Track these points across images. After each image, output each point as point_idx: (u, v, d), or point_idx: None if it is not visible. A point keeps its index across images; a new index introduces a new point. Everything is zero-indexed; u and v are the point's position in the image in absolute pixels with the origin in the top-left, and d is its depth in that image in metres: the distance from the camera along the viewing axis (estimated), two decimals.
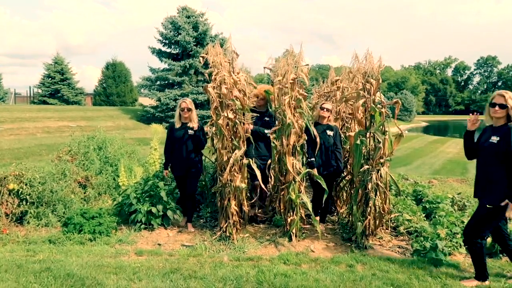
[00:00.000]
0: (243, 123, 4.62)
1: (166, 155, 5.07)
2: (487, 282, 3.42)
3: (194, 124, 4.81)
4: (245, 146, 4.57)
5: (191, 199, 4.96)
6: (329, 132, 4.87)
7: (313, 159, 4.71)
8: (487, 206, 3.33)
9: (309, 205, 4.49)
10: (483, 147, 3.44)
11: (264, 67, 4.87)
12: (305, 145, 4.72)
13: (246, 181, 4.49)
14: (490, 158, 3.37)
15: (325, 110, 4.91)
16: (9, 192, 4.83)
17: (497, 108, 3.31)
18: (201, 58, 4.83)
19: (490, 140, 3.36)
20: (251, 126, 4.88)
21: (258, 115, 5.05)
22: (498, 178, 3.31)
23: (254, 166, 4.52)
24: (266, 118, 5.14)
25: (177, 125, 4.89)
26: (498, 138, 3.31)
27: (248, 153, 4.81)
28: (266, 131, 4.96)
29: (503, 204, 3.28)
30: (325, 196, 4.54)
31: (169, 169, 5.06)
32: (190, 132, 4.80)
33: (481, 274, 3.45)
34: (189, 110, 4.81)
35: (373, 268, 3.78)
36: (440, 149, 17.59)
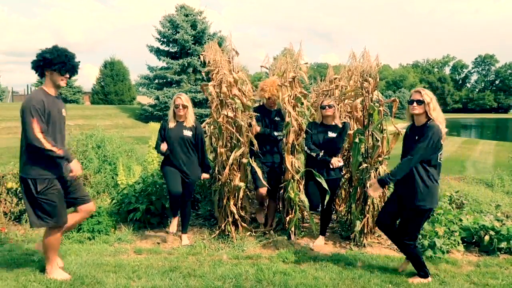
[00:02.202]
0: (250, 124, 4.36)
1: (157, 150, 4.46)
2: (429, 279, 3.47)
3: (190, 123, 4.32)
4: (247, 146, 4.38)
5: (186, 206, 4.42)
6: (331, 134, 4.31)
7: (320, 153, 4.24)
8: (410, 208, 3.31)
9: (307, 204, 4.50)
10: (408, 148, 3.38)
11: (261, 66, 4.86)
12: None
13: (245, 179, 4.49)
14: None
15: (326, 108, 4.30)
16: (7, 191, 4.83)
17: (415, 104, 3.29)
18: (201, 57, 4.80)
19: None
20: (259, 128, 4.48)
21: (258, 113, 4.58)
22: (421, 178, 3.28)
23: (258, 170, 4.30)
24: (277, 118, 4.58)
25: (171, 125, 4.29)
26: (419, 138, 3.28)
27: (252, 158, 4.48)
28: (276, 133, 4.51)
29: (369, 184, 3.35)
30: (327, 197, 4.24)
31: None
32: (187, 133, 4.29)
33: (422, 272, 3.47)
34: (185, 107, 4.26)
35: (371, 266, 3.80)
36: None
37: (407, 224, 3.40)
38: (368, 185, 3.34)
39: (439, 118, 3.30)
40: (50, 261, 3.39)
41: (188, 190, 4.35)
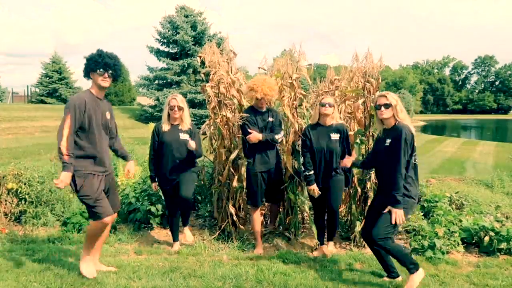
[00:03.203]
0: (249, 131, 4.03)
1: (152, 165, 4.17)
2: (421, 270, 3.28)
3: (186, 126, 4.06)
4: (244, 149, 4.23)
5: (186, 203, 4.13)
6: (334, 136, 3.94)
7: (311, 172, 3.94)
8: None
9: (306, 206, 4.50)
10: (379, 152, 3.34)
11: (259, 67, 4.83)
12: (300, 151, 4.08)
13: (244, 180, 4.49)
14: (387, 163, 3.23)
15: (326, 106, 3.91)
16: (7, 191, 4.83)
17: (382, 109, 3.25)
18: (198, 58, 4.78)
19: (385, 144, 3.26)
20: (260, 136, 4.04)
21: (253, 114, 4.14)
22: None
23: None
24: (270, 119, 4.15)
25: (166, 128, 4.04)
26: (390, 140, 3.22)
27: (254, 167, 4.14)
28: (276, 136, 4.12)
29: (385, 211, 3.20)
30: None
31: (158, 182, 4.24)
32: (183, 136, 4.02)
33: (411, 266, 3.24)
34: (180, 108, 4.00)
35: (371, 266, 3.81)
36: (438, 148, 17.66)
37: (388, 226, 3.19)
38: (394, 215, 3.17)
39: (407, 119, 3.26)
40: (85, 252, 3.44)
41: (186, 187, 4.03)
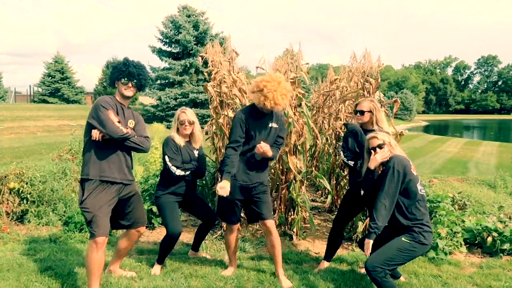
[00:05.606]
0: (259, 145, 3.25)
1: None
2: None
3: (198, 144, 3.73)
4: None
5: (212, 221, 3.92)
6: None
7: (352, 162, 3.57)
8: (403, 239, 2.96)
9: (307, 205, 4.48)
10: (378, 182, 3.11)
11: (257, 67, 4.81)
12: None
13: None
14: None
15: (358, 114, 3.55)
16: (9, 191, 4.83)
17: (378, 150, 3.06)
18: (199, 58, 4.78)
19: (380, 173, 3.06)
20: (266, 147, 3.23)
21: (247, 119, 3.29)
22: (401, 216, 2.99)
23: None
24: (274, 125, 3.34)
25: (180, 143, 3.63)
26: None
27: (237, 177, 3.38)
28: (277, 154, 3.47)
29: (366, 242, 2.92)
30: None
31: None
32: (196, 154, 3.72)
33: None
34: (191, 123, 3.62)
35: None
36: (440, 148, 17.61)
37: (393, 256, 2.92)
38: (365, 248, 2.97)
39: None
40: (88, 285, 3.02)
41: (205, 205, 3.96)
